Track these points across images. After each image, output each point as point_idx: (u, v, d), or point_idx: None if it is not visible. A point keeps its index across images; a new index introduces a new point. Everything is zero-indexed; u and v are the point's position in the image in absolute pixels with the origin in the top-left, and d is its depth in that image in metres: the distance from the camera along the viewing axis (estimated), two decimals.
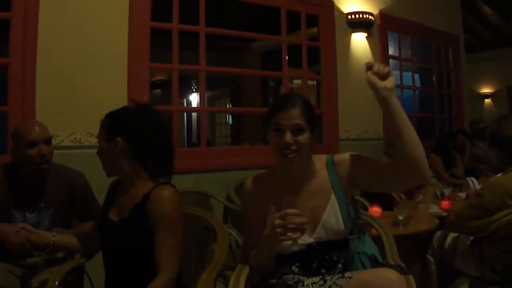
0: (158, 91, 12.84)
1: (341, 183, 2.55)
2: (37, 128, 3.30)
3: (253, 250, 2.56)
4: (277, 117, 2.47)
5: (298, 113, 2.45)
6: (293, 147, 2.43)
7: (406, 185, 2.52)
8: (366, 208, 4.49)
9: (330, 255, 2.49)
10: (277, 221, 2.26)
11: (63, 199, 3.37)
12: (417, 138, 2.22)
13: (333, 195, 2.53)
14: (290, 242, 2.36)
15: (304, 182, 2.58)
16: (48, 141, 3.32)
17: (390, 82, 2.20)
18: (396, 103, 2.20)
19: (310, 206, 2.50)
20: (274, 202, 2.56)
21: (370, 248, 2.61)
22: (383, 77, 2.20)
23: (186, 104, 15.65)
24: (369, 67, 2.23)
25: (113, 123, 2.65)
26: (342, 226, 2.48)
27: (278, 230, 2.25)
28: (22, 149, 3.22)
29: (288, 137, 2.42)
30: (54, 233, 2.89)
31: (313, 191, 2.56)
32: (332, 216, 2.49)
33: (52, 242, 2.86)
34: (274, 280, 2.50)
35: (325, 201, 2.52)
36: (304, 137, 2.45)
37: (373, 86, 2.20)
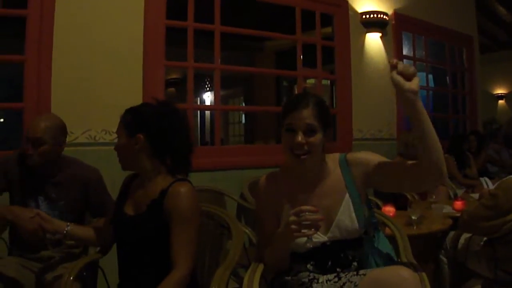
0: (172, 89, 12.85)
1: (355, 183, 2.54)
2: (41, 124, 3.23)
3: (268, 248, 2.57)
4: (290, 117, 2.47)
5: (310, 114, 2.44)
6: (305, 148, 2.43)
7: (423, 187, 2.51)
8: (379, 208, 4.49)
9: (345, 253, 2.50)
10: (292, 218, 2.26)
11: (75, 193, 3.37)
12: (438, 142, 2.19)
13: (347, 195, 2.53)
14: (305, 239, 2.38)
15: (318, 181, 2.59)
16: (37, 142, 3.20)
17: (415, 84, 2.12)
18: (421, 106, 2.15)
19: (324, 205, 2.50)
20: (288, 200, 2.55)
21: (385, 246, 2.63)
22: (408, 77, 2.13)
23: (200, 103, 15.64)
24: (393, 66, 2.14)
25: (135, 120, 2.67)
26: (357, 225, 2.48)
27: (293, 226, 2.25)
28: (28, 144, 3.22)
29: (300, 137, 2.41)
30: (68, 223, 2.92)
31: (327, 190, 2.56)
32: (346, 215, 2.49)
33: (65, 232, 2.89)
34: (289, 278, 2.52)
35: (339, 200, 2.52)
36: (316, 138, 2.44)
37: (398, 87, 2.12)
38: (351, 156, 2.63)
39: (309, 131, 2.43)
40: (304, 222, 2.24)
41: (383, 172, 2.47)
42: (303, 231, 2.25)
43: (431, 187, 2.43)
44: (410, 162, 2.35)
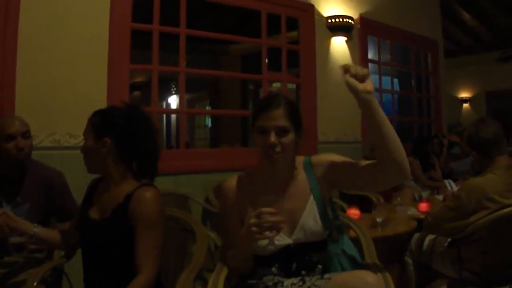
0: (137, 93, 12.79)
1: (319, 185, 2.55)
2: (15, 122, 3.32)
3: (231, 250, 2.56)
4: (261, 118, 2.46)
5: (282, 114, 2.43)
6: (278, 149, 2.42)
7: (387, 185, 2.52)
8: (344, 211, 4.51)
9: (309, 256, 2.49)
10: (253, 220, 2.25)
11: (39, 196, 3.37)
12: (397, 139, 2.22)
13: (311, 197, 2.53)
14: (267, 241, 2.37)
15: (283, 183, 2.58)
16: (26, 134, 3.33)
17: (369, 84, 2.17)
18: (376, 105, 2.19)
19: (288, 207, 2.50)
20: (253, 203, 2.54)
21: (349, 249, 2.63)
22: (362, 79, 2.17)
23: (166, 107, 15.55)
24: (346, 70, 2.19)
25: (103, 122, 2.65)
26: (321, 228, 2.48)
27: (254, 229, 2.24)
28: (0, 143, 3.21)
29: (273, 138, 2.40)
30: (35, 225, 2.88)
31: (291, 193, 2.56)
32: (311, 218, 2.49)
33: (32, 233, 2.84)
34: (254, 281, 2.50)
35: (303, 202, 2.52)
36: (288, 138, 2.44)
37: (352, 89, 2.17)
38: (315, 158, 2.64)
39: (282, 131, 2.43)
40: (264, 224, 2.23)
41: (346, 171, 2.49)
42: (264, 233, 2.24)
43: (394, 183, 2.44)
44: (372, 161, 2.36)
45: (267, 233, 2.24)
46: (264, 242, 2.39)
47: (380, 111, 2.21)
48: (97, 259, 2.65)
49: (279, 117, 2.43)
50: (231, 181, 2.70)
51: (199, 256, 2.79)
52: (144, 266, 2.46)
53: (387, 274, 2.49)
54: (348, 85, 2.17)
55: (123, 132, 2.62)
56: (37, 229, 2.86)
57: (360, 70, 2.17)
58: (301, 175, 2.59)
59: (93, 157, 2.67)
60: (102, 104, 4.53)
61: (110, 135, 2.61)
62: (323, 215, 2.50)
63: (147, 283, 2.44)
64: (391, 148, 2.21)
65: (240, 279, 2.61)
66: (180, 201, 5.03)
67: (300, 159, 2.65)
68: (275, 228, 2.24)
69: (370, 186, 2.69)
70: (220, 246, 2.88)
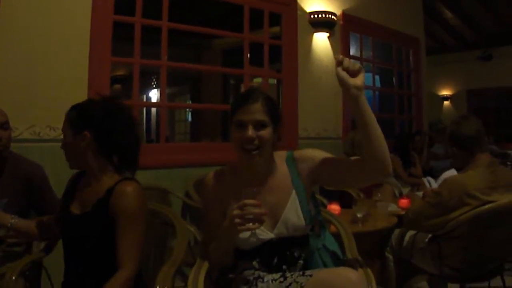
0: (118, 86, 12.75)
1: (302, 180, 2.54)
2: None
3: (212, 244, 2.54)
4: (239, 112, 2.45)
5: (260, 108, 2.43)
6: (256, 142, 2.41)
7: (368, 181, 2.55)
8: (324, 206, 4.50)
9: (291, 251, 2.49)
10: (236, 211, 2.24)
11: (18, 189, 3.32)
12: (382, 137, 2.23)
13: (293, 191, 2.52)
14: (249, 233, 2.36)
15: (265, 178, 2.57)
16: (5, 125, 3.28)
17: (360, 80, 2.16)
18: (364, 102, 2.19)
19: (271, 202, 2.49)
20: (235, 197, 2.50)
21: (331, 244, 2.63)
22: (353, 74, 2.16)
23: (146, 101, 15.50)
24: (339, 62, 2.16)
25: (81, 117, 2.61)
26: (303, 222, 2.48)
27: (237, 220, 2.22)
28: None
29: (251, 131, 2.39)
30: (13, 216, 2.86)
31: (273, 187, 2.55)
32: (293, 213, 2.48)
33: (9, 225, 2.83)
34: (234, 275, 2.49)
35: (286, 197, 2.52)
36: (266, 132, 2.43)
37: (342, 83, 2.16)
38: (298, 153, 2.63)
39: (259, 126, 2.42)
40: (247, 216, 2.22)
41: (329, 167, 2.48)
42: (247, 225, 2.23)
43: (376, 179, 2.45)
44: (355, 158, 2.36)
45: (250, 225, 2.23)
46: (246, 235, 2.38)
47: (367, 108, 2.20)
48: (78, 253, 2.62)
49: (257, 111, 2.42)
50: (213, 175, 2.69)
51: (180, 250, 2.77)
52: (125, 261, 2.44)
53: (368, 270, 2.51)
54: (339, 78, 2.16)
55: (101, 125, 2.59)
56: (14, 221, 2.84)
57: (353, 65, 2.16)
58: (283, 170, 2.59)
59: (73, 152, 2.63)
60: (83, 96, 4.43)
61: (88, 128, 2.57)
62: (305, 210, 2.50)
63: (128, 278, 2.42)
64: (376, 145, 2.22)
65: (220, 273, 2.60)
66: (160, 195, 5.01)
67: (282, 154, 2.64)
68: (258, 220, 2.22)
69: (352, 182, 2.70)
70: (201, 241, 2.86)
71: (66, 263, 2.68)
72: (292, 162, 2.59)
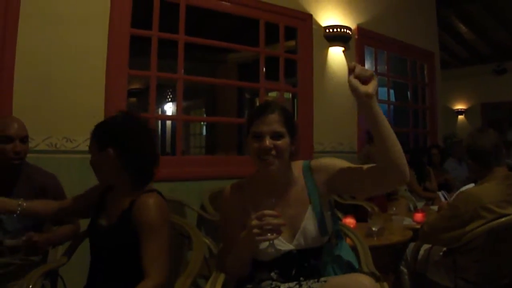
0: (133, 99, 12.81)
1: (318, 189, 2.56)
2: (15, 124, 3.30)
3: (230, 254, 2.56)
4: (256, 124, 2.48)
5: (277, 119, 2.46)
6: (273, 152, 2.43)
7: (385, 189, 2.57)
8: (340, 220, 4.50)
9: (309, 262, 2.50)
10: (254, 222, 2.26)
11: (33, 198, 3.35)
12: (397, 143, 2.23)
13: (310, 203, 2.54)
14: (267, 244, 2.38)
15: (283, 189, 2.59)
16: (24, 139, 3.33)
17: (371, 87, 2.15)
18: (377, 109, 2.18)
19: (289, 213, 2.51)
20: (253, 208, 2.52)
21: (347, 254, 2.63)
22: (365, 81, 2.15)
23: (161, 114, 15.52)
24: (351, 70, 2.16)
25: (104, 134, 2.69)
26: (321, 233, 2.49)
27: (255, 230, 2.24)
28: None
29: (268, 141, 2.42)
30: (19, 201, 2.90)
31: (291, 199, 2.57)
32: (311, 224, 2.50)
33: (19, 209, 2.88)
34: (251, 286, 2.51)
35: (304, 209, 2.53)
36: (283, 142, 2.46)
37: (354, 91, 2.15)
38: (314, 162, 2.64)
39: (276, 136, 2.45)
40: (266, 226, 2.24)
41: (345, 175, 2.49)
42: (265, 235, 2.25)
43: (393, 186, 2.45)
44: (371, 165, 2.37)
45: (268, 235, 2.25)
46: (264, 245, 2.40)
47: (381, 115, 2.21)
48: (104, 263, 2.67)
49: (274, 121, 2.45)
50: (231, 188, 2.71)
51: (196, 262, 2.79)
52: (151, 271, 2.46)
53: (385, 284, 2.50)
54: (351, 86, 2.16)
55: (123, 142, 2.65)
56: (23, 204, 2.89)
57: (364, 71, 2.16)
58: (300, 180, 2.60)
59: (99, 169, 2.74)
60: (100, 109, 4.55)
61: (112, 145, 2.65)
62: (322, 221, 2.51)
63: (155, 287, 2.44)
64: (392, 151, 2.22)
65: (237, 285, 2.61)
66: (175, 207, 5.02)
67: (299, 164, 2.66)
68: (276, 230, 2.25)
69: (369, 190, 2.69)
70: (218, 252, 2.87)
71: (91, 275, 2.73)
72: (308, 172, 2.61)
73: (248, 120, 2.57)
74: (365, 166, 2.40)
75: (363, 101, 2.16)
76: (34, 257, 3.34)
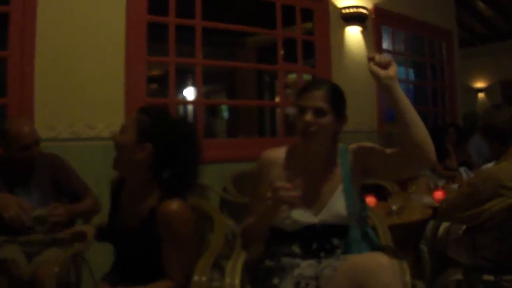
0: (154, 85, 12.84)
1: (352, 172, 2.62)
2: (27, 130, 3.42)
3: (252, 217, 2.67)
4: (302, 98, 2.55)
5: (322, 95, 2.51)
6: (313, 129, 2.48)
7: (413, 171, 2.70)
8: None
9: (330, 239, 2.55)
10: (269, 194, 2.32)
11: (48, 181, 3.53)
12: (421, 122, 2.31)
13: (342, 182, 2.60)
14: (285, 214, 2.46)
15: (318, 165, 2.65)
16: (37, 142, 3.49)
17: (392, 70, 2.28)
18: (398, 90, 2.29)
19: (319, 189, 2.59)
20: (286, 177, 2.58)
21: (371, 240, 2.68)
22: (385, 66, 2.28)
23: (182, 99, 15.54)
24: (370, 59, 2.30)
25: (151, 128, 2.52)
26: (347, 213, 2.54)
27: (269, 202, 2.33)
28: (15, 151, 3.38)
29: (309, 116, 2.47)
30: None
31: (324, 175, 2.64)
32: (339, 202, 2.56)
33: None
34: (272, 263, 2.55)
35: (334, 186, 2.60)
36: (325, 120, 2.50)
37: (375, 76, 2.28)
38: (352, 146, 2.71)
39: (319, 112, 2.49)
40: (279, 198, 2.30)
41: (379, 159, 2.56)
42: (279, 206, 2.34)
43: (421, 167, 2.50)
44: (399, 148, 2.42)
45: (283, 207, 2.33)
46: (282, 216, 2.47)
47: (403, 97, 2.30)
48: (127, 261, 2.64)
49: (318, 98, 2.51)
50: (272, 151, 2.77)
51: (217, 242, 2.82)
52: (172, 273, 2.46)
53: (404, 262, 2.54)
54: (372, 72, 2.29)
55: (165, 144, 2.53)
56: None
57: (383, 59, 2.28)
58: (336, 161, 2.67)
59: (125, 156, 2.53)
60: (120, 96, 4.60)
61: (153, 142, 2.50)
62: (351, 202, 2.56)
63: None
64: (416, 132, 2.29)
65: (257, 262, 2.66)
66: (198, 190, 5.07)
67: (337, 146, 2.72)
68: (289, 203, 2.32)
69: (400, 172, 2.69)
70: (247, 211, 2.84)
71: (116, 259, 2.74)
72: (345, 154, 2.67)
73: (296, 94, 2.64)
74: (395, 149, 2.45)
75: (385, 84, 2.27)
76: (60, 234, 3.38)
